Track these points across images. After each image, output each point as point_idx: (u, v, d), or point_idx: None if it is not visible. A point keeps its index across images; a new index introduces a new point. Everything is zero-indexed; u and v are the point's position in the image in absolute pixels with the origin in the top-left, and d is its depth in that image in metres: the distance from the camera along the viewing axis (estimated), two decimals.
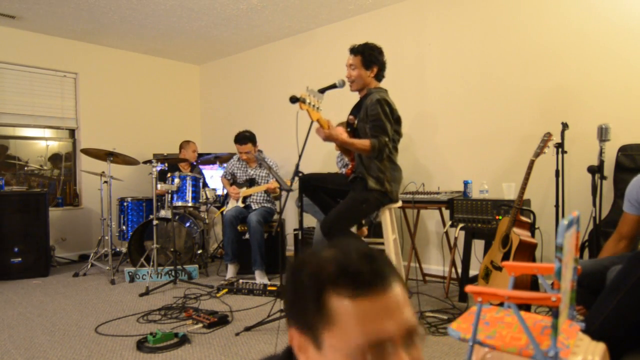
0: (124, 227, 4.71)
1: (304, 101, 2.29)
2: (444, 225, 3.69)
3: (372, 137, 2.44)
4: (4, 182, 4.42)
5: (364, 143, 2.43)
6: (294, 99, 2.29)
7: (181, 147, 5.10)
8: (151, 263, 3.91)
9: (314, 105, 2.36)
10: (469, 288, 1.39)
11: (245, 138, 4.16)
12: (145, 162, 4.34)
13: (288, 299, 0.70)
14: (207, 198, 4.44)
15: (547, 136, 2.75)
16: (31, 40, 4.94)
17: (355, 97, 2.75)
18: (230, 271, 4.01)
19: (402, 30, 4.23)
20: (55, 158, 5.33)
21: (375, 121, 2.45)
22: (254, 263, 3.88)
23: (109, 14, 4.46)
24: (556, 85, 3.38)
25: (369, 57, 2.56)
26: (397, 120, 2.58)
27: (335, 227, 2.40)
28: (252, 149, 4.17)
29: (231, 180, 4.42)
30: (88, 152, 4.31)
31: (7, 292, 3.71)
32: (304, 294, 0.66)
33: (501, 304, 1.48)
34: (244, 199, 4.21)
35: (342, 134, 2.52)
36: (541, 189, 3.38)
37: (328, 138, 2.42)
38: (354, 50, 2.60)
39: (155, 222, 3.84)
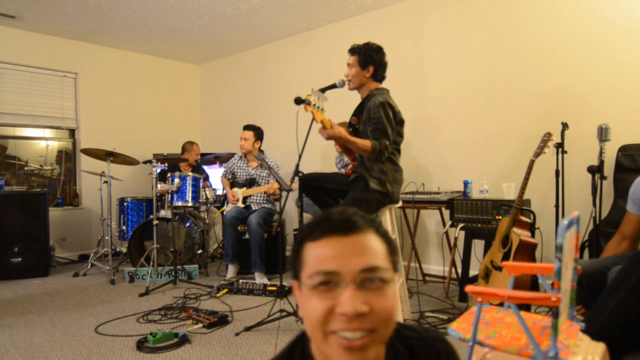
0: (124, 227, 4.71)
1: (309, 103, 2.29)
2: (444, 225, 3.69)
3: (373, 139, 2.44)
4: (4, 182, 4.42)
5: (365, 143, 2.43)
6: (299, 101, 2.29)
7: (184, 148, 5.04)
8: (151, 263, 3.91)
9: (318, 107, 2.35)
10: (469, 288, 1.39)
11: (250, 126, 4.26)
12: (145, 162, 4.34)
13: (291, 262, 0.81)
14: (207, 198, 4.44)
15: (547, 136, 2.75)
16: (31, 40, 4.94)
17: (356, 98, 2.75)
18: (231, 271, 4.01)
19: (402, 30, 4.23)
20: (60, 155, 5.34)
21: (377, 124, 2.45)
22: (253, 265, 3.88)
23: (109, 14, 4.46)
24: (556, 86, 3.38)
25: (365, 56, 2.56)
26: (399, 122, 2.58)
27: None
28: (251, 138, 4.19)
29: (231, 179, 4.42)
30: (88, 152, 4.31)
31: (7, 292, 3.71)
32: (294, 252, 0.79)
33: (501, 304, 1.48)
34: (244, 199, 4.22)
35: (344, 131, 2.51)
36: (541, 189, 3.38)
37: (331, 137, 2.41)
38: (352, 50, 2.61)
39: (155, 222, 3.85)
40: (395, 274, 0.75)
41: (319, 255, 0.71)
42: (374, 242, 0.73)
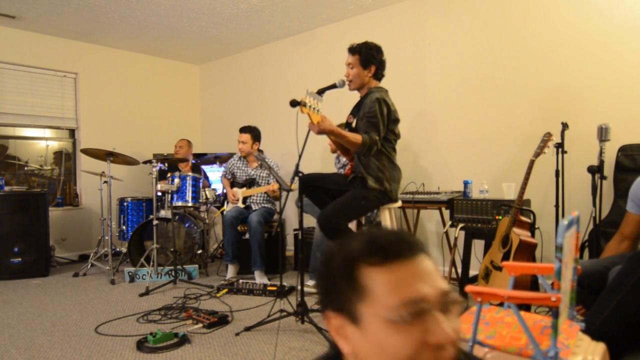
0: (124, 227, 4.71)
1: (304, 105, 2.29)
2: (444, 225, 3.69)
3: (364, 132, 2.44)
4: (3, 182, 4.42)
5: (356, 137, 2.42)
6: (294, 103, 2.28)
7: (175, 151, 5.18)
8: (151, 263, 3.91)
9: (314, 108, 2.35)
10: (469, 288, 1.39)
11: (246, 128, 4.23)
12: (145, 162, 4.34)
13: (322, 287, 0.71)
14: (207, 198, 4.44)
15: (547, 136, 2.75)
16: (31, 40, 4.94)
17: (355, 97, 2.75)
18: (230, 271, 4.01)
19: (402, 30, 4.23)
20: (59, 155, 5.34)
21: (371, 118, 2.45)
22: (253, 263, 3.88)
23: (109, 13, 4.46)
24: (556, 85, 3.38)
25: (367, 56, 2.56)
26: (394, 121, 2.57)
27: (333, 221, 2.39)
28: (249, 140, 4.18)
29: (231, 179, 4.42)
30: (88, 152, 4.31)
31: (7, 292, 3.71)
32: (337, 276, 0.67)
33: (501, 304, 1.48)
34: (244, 199, 4.21)
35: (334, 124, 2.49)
36: (541, 189, 3.38)
37: (322, 131, 2.40)
38: (352, 50, 2.60)
39: (155, 222, 3.84)
40: None
41: (398, 282, 0.63)
42: (434, 265, 0.69)
